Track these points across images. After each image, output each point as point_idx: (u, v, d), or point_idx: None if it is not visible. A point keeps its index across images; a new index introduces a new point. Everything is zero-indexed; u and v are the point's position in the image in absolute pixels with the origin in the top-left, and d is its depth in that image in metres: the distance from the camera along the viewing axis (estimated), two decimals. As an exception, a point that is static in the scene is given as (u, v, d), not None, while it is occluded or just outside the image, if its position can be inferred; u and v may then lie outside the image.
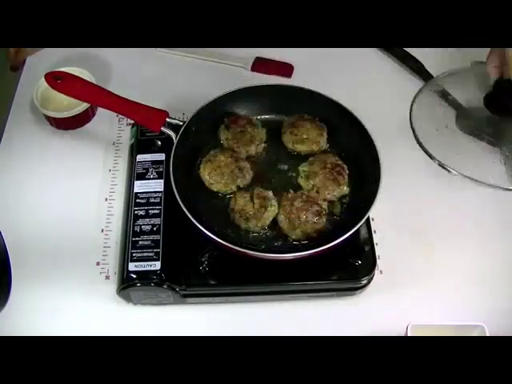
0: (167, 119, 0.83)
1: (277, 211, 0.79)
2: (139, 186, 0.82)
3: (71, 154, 0.95)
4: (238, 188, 0.83)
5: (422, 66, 1.07)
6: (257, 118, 0.90)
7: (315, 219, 0.77)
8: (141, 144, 0.87)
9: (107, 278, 0.82)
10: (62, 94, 0.85)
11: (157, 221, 0.78)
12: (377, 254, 0.79)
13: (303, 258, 0.73)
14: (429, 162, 0.89)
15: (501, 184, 0.77)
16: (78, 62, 1.00)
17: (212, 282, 0.77)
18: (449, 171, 0.78)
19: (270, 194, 0.81)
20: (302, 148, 0.86)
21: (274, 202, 0.80)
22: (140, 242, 0.76)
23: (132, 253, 0.76)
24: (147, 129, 0.87)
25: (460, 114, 0.87)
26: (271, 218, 0.79)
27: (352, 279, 0.78)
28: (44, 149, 0.96)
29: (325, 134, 0.87)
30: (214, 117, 0.84)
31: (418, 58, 1.08)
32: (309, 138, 0.86)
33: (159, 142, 0.87)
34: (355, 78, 1.06)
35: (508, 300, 0.81)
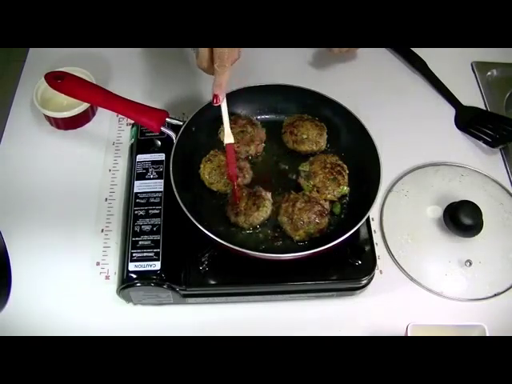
0: (167, 119, 0.83)
1: (269, 213, 0.79)
2: (139, 186, 0.82)
3: (71, 154, 0.95)
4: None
5: (425, 64, 1.07)
6: (257, 118, 0.91)
7: (318, 219, 0.77)
8: (141, 144, 0.87)
9: (107, 278, 0.82)
10: (62, 94, 0.85)
11: (157, 221, 0.78)
12: (377, 253, 0.79)
13: (303, 258, 0.73)
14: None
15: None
16: (78, 62, 1.00)
17: (212, 282, 0.77)
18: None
19: (269, 195, 0.81)
20: (301, 148, 0.86)
21: (268, 204, 0.80)
22: (140, 242, 0.76)
23: (132, 253, 0.76)
24: (147, 129, 0.87)
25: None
26: (261, 219, 0.79)
27: (352, 279, 0.78)
28: (44, 149, 0.96)
29: (325, 134, 0.88)
30: (214, 117, 0.83)
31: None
32: (309, 138, 0.86)
33: (159, 142, 0.86)
34: (355, 77, 1.06)
35: (508, 300, 0.81)
